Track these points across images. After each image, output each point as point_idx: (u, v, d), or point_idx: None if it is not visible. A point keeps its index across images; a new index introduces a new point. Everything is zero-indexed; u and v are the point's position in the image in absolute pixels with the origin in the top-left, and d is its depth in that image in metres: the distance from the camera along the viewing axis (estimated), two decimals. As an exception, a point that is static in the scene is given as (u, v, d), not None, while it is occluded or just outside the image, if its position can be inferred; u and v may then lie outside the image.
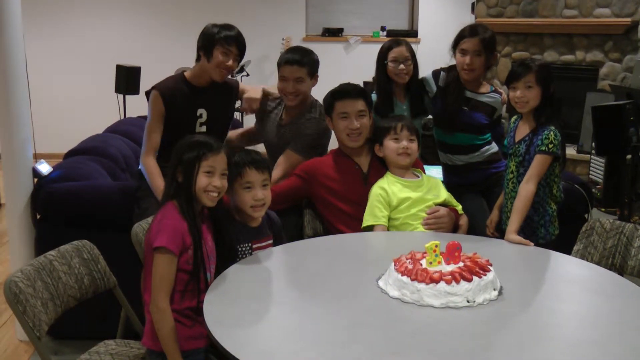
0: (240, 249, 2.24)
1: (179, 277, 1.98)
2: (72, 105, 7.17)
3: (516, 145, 2.64)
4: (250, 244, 2.27)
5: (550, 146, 2.52)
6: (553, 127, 2.54)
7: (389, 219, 2.62)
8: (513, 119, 2.77)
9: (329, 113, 2.84)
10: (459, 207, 2.75)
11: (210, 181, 2.04)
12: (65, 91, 7.16)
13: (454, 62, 3.12)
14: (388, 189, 2.64)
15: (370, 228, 2.61)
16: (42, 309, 1.92)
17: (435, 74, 3.17)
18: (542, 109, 2.58)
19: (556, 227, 2.68)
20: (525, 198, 2.52)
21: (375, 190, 2.66)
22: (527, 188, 2.53)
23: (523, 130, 2.65)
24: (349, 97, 2.78)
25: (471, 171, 3.10)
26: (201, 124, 2.92)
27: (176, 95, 2.87)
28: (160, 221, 1.99)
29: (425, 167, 2.91)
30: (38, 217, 3.06)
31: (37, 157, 3.33)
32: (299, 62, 3.00)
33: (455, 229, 2.69)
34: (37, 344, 1.88)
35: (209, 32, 2.85)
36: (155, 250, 1.94)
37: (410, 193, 2.64)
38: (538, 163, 2.54)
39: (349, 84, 2.86)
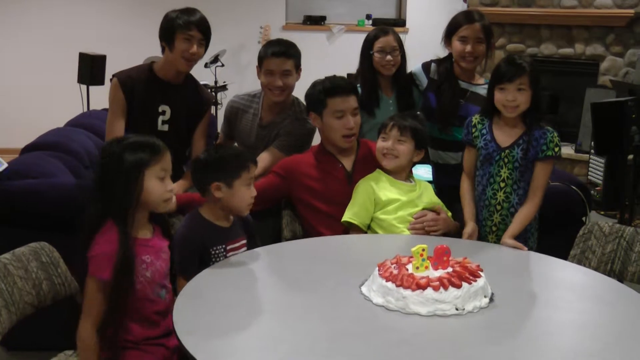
0: (213, 252, 2.24)
1: (128, 302, 1.93)
2: (30, 96, 7.08)
3: (507, 151, 2.58)
4: (224, 246, 2.27)
5: (556, 149, 2.53)
6: (550, 128, 2.55)
7: (375, 219, 2.64)
8: (477, 119, 2.66)
9: (319, 110, 2.78)
10: (449, 214, 2.77)
11: (165, 186, 1.95)
12: (22, 81, 7.06)
13: (444, 54, 3.14)
14: (376, 186, 2.65)
15: (349, 224, 2.62)
16: (-5, 317, 1.90)
17: (425, 66, 3.19)
18: (532, 110, 2.55)
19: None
20: (535, 210, 2.56)
21: (363, 185, 2.66)
22: (536, 201, 2.55)
23: (509, 133, 2.59)
24: (343, 93, 2.74)
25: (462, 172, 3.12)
26: (163, 122, 2.90)
27: (137, 85, 2.85)
28: (94, 246, 1.93)
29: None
30: (-8, 217, 3.04)
31: (-9, 152, 3.30)
32: (286, 54, 3.00)
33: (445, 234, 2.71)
34: (-10, 355, 1.87)
35: (168, 19, 2.84)
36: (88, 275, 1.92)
37: (399, 195, 2.65)
38: (545, 169, 2.55)
39: (337, 77, 2.82)
